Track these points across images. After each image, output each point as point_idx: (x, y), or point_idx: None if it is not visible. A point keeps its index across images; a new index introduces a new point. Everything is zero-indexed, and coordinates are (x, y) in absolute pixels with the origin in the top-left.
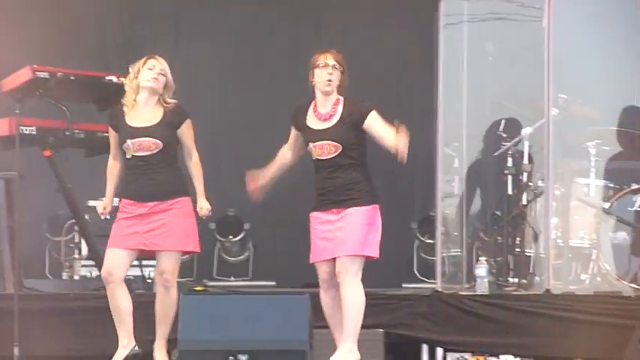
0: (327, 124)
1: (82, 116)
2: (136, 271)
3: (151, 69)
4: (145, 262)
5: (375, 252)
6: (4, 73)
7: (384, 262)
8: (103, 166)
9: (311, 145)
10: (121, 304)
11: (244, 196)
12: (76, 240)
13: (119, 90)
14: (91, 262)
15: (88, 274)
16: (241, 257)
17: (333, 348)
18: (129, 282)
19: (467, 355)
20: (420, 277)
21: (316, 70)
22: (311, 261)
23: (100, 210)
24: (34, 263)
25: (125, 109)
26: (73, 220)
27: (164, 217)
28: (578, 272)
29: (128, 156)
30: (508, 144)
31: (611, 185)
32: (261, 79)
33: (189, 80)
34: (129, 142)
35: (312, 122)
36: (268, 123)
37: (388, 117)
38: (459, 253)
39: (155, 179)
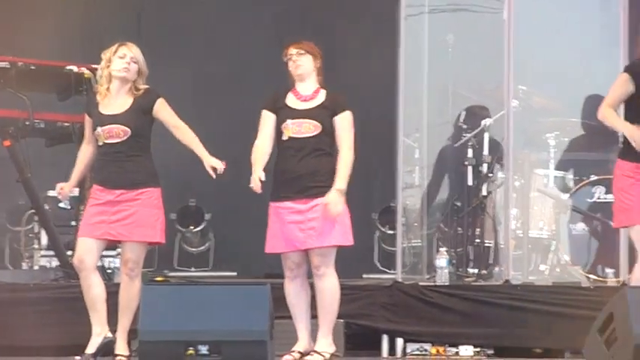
0: (307, 104)
1: (42, 106)
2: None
3: (122, 57)
4: (104, 253)
5: (351, 240)
6: None
7: (344, 253)
8: (63, 155)
9: (289, 121)
10: (94, 291)
11: (205, 187)
12: (36, 230)
13: (80, 80)
14: (51, 253)
15: (48, 264)
16: (202, 248)
17: (293, 338)
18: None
19: (427, 346)
20: (381, 268)
21: (289, 65)
22: (278, 250)
23: (57, 189)
24: None
25: (98, 96)
26: (33, 211)
27: (131, 207)
28: (538, 263)
29: (100, 143)
30: (468, 135)
31: (571, 177)
32: (222, 72)
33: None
34: (99, 129)
35: (292, 102)
36: (228, 114)
37: (350, 105)
38: (420, 244)
39: (123, 167)
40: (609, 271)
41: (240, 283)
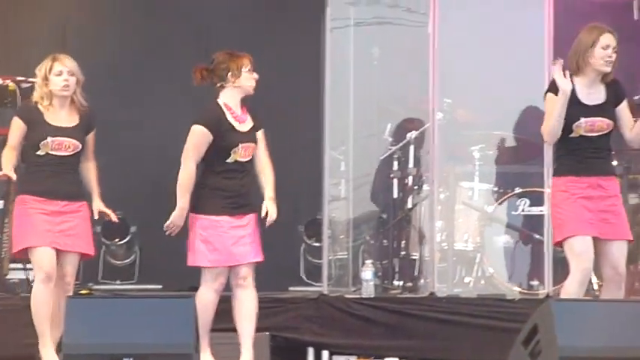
0: (245, 126)
1: None
2: (21, 274)
3: (58, 75)
4: (28, 265)
5: None
6: None
7: (270, 266)
8: None
9: (240, 146)
10: (54, 303)
11: (131, 200)
12: None
13: (4, 92)
14: None
15: None
16: (127, 260)
17: (219, 351)
18: (13, 285)
19: (352, 358)
20: (307, 281)
21: (245, 77)
22: (223, 264)
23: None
24: None
25: (40, 107)
26: None
27: (74, 219)
28: (463, 275)
29: (41, 153)
30: (394, 147)
31: (495, 189)
32: (137, 77)
33: None
34: (49, 139)
35: (235, 124)
36: (156, 126)
37: (275, 118)
38: (346, 257)
39: (67, 179)
40: (534, 283)
41: (165, 296)
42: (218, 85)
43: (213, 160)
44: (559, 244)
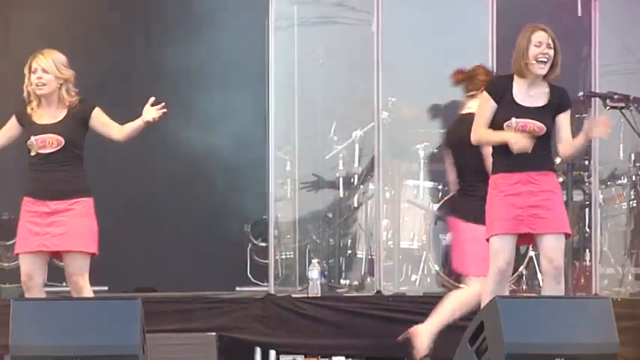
0: None
1: None
2: None
3: (34, 72)
4: None
5: None
6: None
7: (217, 265)
8: None
9: None
10: None
11: None
12: None
13: None
14: None
15: None
16: None
17: (166, 352)
18: None
19: (299, 358)
20: (254, 280)
21: None
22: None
23: None
24: None
25: (29, 109)
26: None
27: (64, 218)
28: (409, 273)
29: (32, 153)
30: (339, 147)
31: (440, 187)
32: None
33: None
34: (33, 138)
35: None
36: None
37: (220, 116)
38: (292, 256)
39: (57, 177)
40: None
41: (111, 298)
42: (470, 94)
43: None
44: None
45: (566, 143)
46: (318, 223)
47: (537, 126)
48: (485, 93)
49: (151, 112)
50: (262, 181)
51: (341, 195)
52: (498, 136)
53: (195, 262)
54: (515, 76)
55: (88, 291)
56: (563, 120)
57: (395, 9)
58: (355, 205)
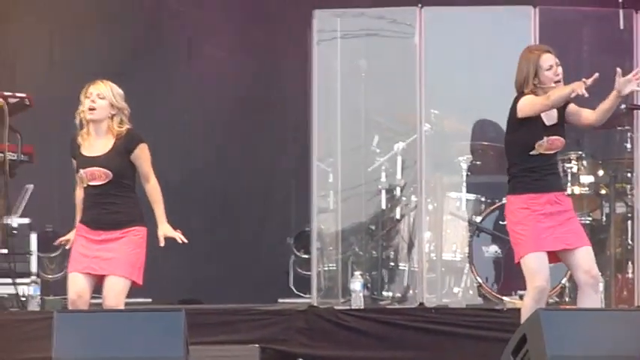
0: None
1: None
2: (11, 289)
3: (88, 97)
4: (18, 280)
5: None
6: None
7: (260, 277)
8: None
9: None
10: None
11: None
12: None
13: None
14: None
15: None
16: None
17: None
18: (2, 300)
19: None
20: (296, 292)
21: None
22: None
23: (63, 239)
24: None
25: (79, 139)
26: None
27: (115, 244)
28: (451, 285)
29: (84, 185)
30: (382, 159)
31: (483, 199)
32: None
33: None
34: (82, 171)
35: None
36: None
37: (264, 130)
38: (334, 268)
39: (108, 209)
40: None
41: (155, 310)
42: None
43: None
44: (518, 261)
45: (594, 112)
46: (360, 235)
47: (561, 141)
48: (528, 96)
49: (169, 231)
50: (305, 193)
51: (383, 207)
52: (563, 89)
53: (238, 274)
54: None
55: None
56: (572, 106)
57: (437, 22)
58: (398, 217)
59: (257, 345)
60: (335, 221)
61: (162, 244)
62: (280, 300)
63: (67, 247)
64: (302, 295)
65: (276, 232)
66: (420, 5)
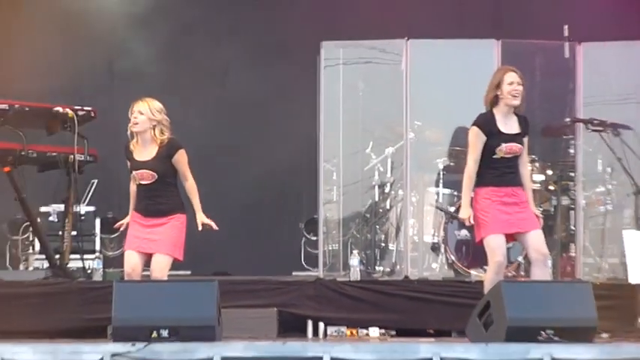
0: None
1: (34, 139)
2: (79, 263)
3: (132, 113)
4: (85, 256)
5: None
6: None
7: (277, 255)
8: (51, 179)
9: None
10: None
11: None
12: (30, 239)
13: (64, 118)
14: (42, 257)
15: (40, 266)
16: None
17: (237, 324)
18: (72, 272)
19: (343, 328)
20: (306, 267)
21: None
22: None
23: (121, 223)
24: None
25: (132, 146)
26: (28, 223)
27: (160, 229)
28: (430, 262)
29: (137, 183)
30: (375, 161)
31: (456, 193)
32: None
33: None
34: (134, 173)
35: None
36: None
37: (280, 138)
38: (337, 248)
39: (155, 201)
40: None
41: (193, 280)
42: None
43: None
44: (480, 242)
45: (523, 166)
46: (358, 221)
47: (518, 147)
48: (475, 128)
49: (204, 219)
50: (314, 188)
51: (376, 199)
52: (463, 200)
53: (260, 252)
54: (494, 110)
55: None
56: (525, 141)
57: (420, 51)
58: (387, 207)
59: (275, 309)
60: (337, 210)
61: (200, 229)
62: (294, 273)
63: (122, 230)
64: (311, 269)
65: (291, 219)
66: (406, 38)
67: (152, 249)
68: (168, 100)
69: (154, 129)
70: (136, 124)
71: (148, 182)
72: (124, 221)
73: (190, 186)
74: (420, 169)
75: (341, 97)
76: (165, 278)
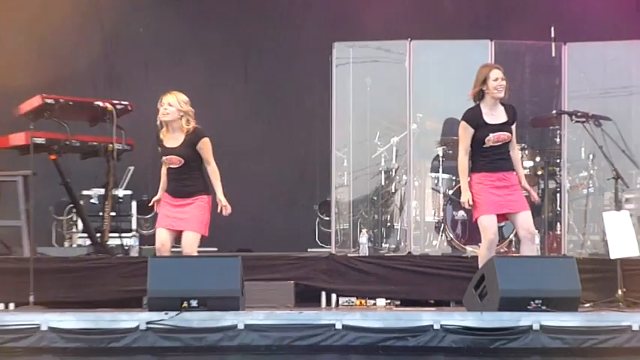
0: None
1: (77, 130)
2: (117, 241)
3: (162, 105)
4: (123, 235)
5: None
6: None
7: (294, 233)
8: (92, 166)
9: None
10: None
11: None
12: (74, 219)
13: (104, 111)
14: (85, 235)
15: (83, 244)
16: None
17: (258, 294)
18: (111, 249)
19: (353, 299)
20: (320, 244)
21: None
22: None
23: (154, 199)
24: (44, 235)
25: (161, 134)
26: (72, 205)
27: (187, 208)
28: (431, 239)
29: (164, 168)
30: (381, 149)
31: (454, 178)
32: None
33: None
34: (163, 158)
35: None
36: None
37: (298, 129)
38: (348, 227)
39: (182, 183)
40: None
41: (219, 256)
42: None
43: None
44: (476, 221)
45: (514, 151)
46: (366, 203)
47: (506, 135)
48: (463, 122)
49: (223, 200)
50: (327, 173)
51: (382, 183)
52: (463, 186)
53: (279, 231)
54: (481, 104)
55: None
56: (513, 129)
57: (421, 51)
58: (393, 190)
59: (292, 281)
60: (348, 193)
61: (219, 210)
62: (309, 249)
63: (155, 210)
64: (324, 246)
65: (306, 201)
66: (409, 39)
67: (180, 226)
68: (200, 97)
69: (181, 119)
70: (166, 114)
71: (176, 166)
72: (155, 198)
73: (212, 170)
74: (421, 157)
75: (351, 92)
76: (195, 253)
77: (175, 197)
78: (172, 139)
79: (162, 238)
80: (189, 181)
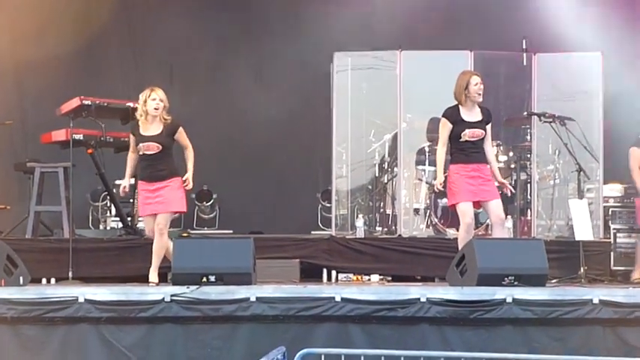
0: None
1: (111, 128)
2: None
3: (153, 100)
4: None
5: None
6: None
7: (300, 218)
8: (124, 159)
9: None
10: (155, 247)
11: (214, 177)
12: (108, 205)
13: (134, 111)
14: (117, 219)
15: (115, 226)
16: (211, 215)
17: (268, 271)
18: (140, 230)
19: (350, 275)
20: (322, 227)
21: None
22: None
23: (121, 189)
24: (81, 219)
25: (140, 123)
26: (106, 193)
27: (163, 191)
28: (419, 224)
29: (141, 153)
30: (376, 145)
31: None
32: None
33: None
34: (141, 145)
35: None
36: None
37: (303, 127)
38: (346, 212)
39: (157, 168)
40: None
41: (234, 237)
42: None
43: None
44: (452, 207)
45: (488, 152)
46: (362, 192)
47: (480, 132)
48: (443, 118)
49: (189, 180)
50: (328, 165)
51: (377, 175)
52: (439, 170)
53: (286, 216)
54: (461, 105)
55: (166, 236)
56: (488, 130)
57: (410, 60)
58: (385, 181)
59: (297, 260)
60: (347, 183)
61: (186, 186)
62: (312, 232)
63: (122, 193)
64: (325, 229)
65: (310, 190)
66: (400, 49)
67: (161, 210)
68: (217, 100)
69: (163, 111)
70: (158, 108)
71: (153, 152)
72: (124, 184)
73: (189, 152)
74: (410, 151)
75: (349, 95)
76: (165, 234)
77: (151, 182)
78: (152, 128)
79: (151, 225)
80: (162, 165)
